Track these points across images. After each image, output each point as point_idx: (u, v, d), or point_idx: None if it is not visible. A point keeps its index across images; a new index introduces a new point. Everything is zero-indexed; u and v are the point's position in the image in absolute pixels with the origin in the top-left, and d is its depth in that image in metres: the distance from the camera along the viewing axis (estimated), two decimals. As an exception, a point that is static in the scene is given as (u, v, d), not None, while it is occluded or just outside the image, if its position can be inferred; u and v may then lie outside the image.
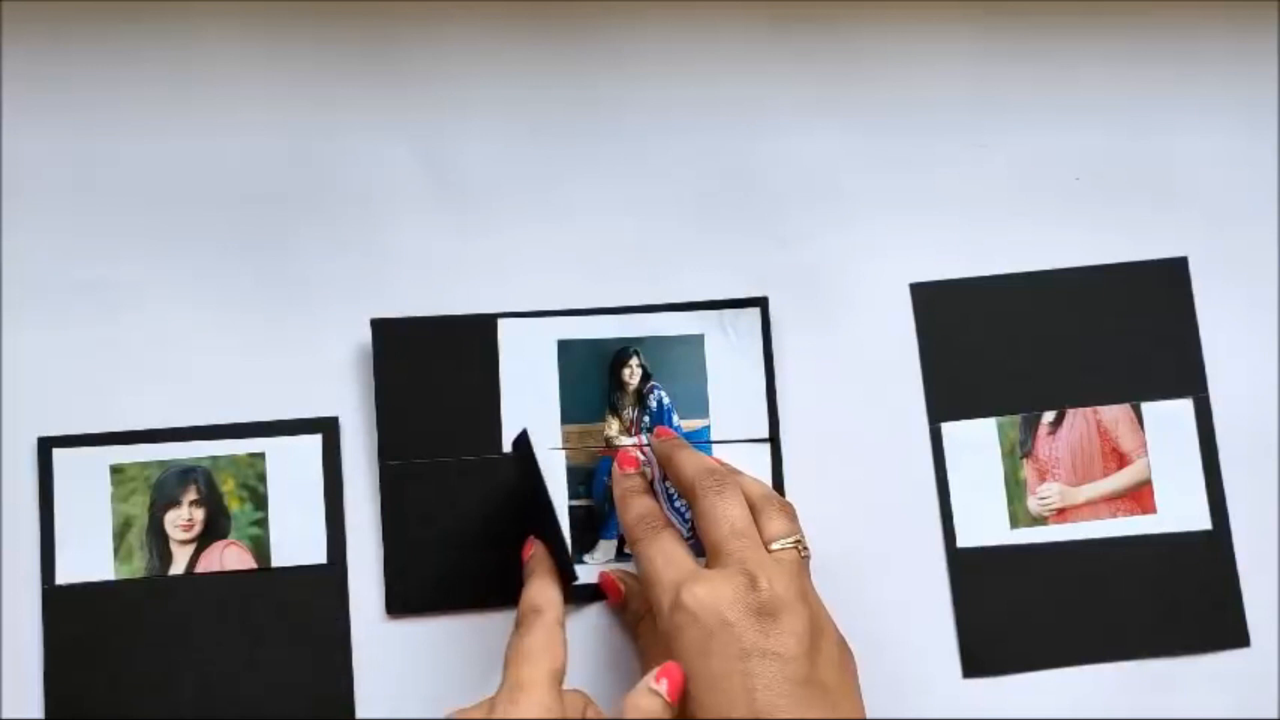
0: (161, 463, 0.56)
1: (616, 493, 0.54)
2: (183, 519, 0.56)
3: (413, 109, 0.60)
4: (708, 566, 0.49)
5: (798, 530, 0.51)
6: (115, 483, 0.56)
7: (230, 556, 0.56)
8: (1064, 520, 0.57)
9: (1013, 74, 0.61)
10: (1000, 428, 0.58)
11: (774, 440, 0.57)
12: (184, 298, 0.58)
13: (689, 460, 0.53)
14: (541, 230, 0.59)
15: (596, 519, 0.56)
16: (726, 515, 0.50)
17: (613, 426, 0.57)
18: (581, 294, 0.58)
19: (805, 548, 0.50)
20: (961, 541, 0.57)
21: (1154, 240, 0.60)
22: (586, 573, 0.55)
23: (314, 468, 0.56)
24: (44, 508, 0.55)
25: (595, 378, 0.57)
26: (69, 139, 0.59)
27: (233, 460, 0.56)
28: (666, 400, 0.57)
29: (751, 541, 0.49)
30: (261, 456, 0.56)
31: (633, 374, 0.57)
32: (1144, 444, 0.58)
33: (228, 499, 0.56)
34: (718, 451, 0.57)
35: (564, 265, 0.59)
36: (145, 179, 0.59)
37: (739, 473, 0.54)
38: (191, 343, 0.58)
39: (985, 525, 0.57)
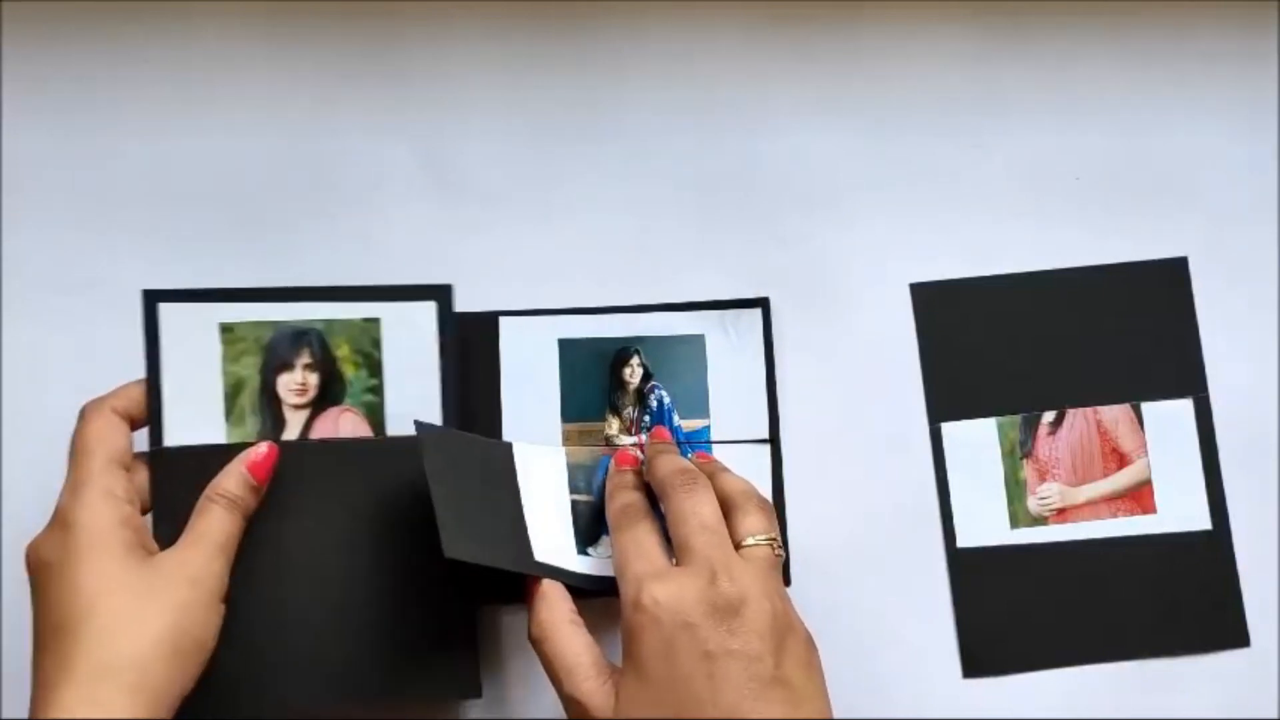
0: (273, 323, 0.54)
1: (608, 487, 0.54)
2: (296, 383, 0.54)
3: (413, 109, 0.60)
4: (677, 565, 0.49)
5: (773, 529, 0.50)
6: (225, 342, 0.54)
7: (346, 423, 0.54)
8: (1064, 520, 0.57)
9: (1013, 74, 0.61)
10: (1000, 428, 0.58)
11: (774, 440, 0.57)
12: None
13: (664, 461, 0.53)
14: (541, 230, 0.59)
15: (598, 514, 0.56)
16: (695, 512, 0.49)
17: (613, 425, 0.57)
18: (581, 294, 0.58)
19: (780, 547, 0.50)
20: (961, 541, 0.57)
21: (1154, 240, 0.60)
22: (588, 566, 0.55)
23: (429, 335, 0.55)
24: (150, 365, 0.53)
25: (596, 377, 0.57)
26: (69, 139, 0.59)
27: (347, 325, 0.54)
28: (667, 400, 0.57)
29: (718, 538, 0.48)
30: (376, 322, 0.55)
31: (633, 373, 0.57)
32: (1144, 444, 0.58)
33: (343, 364, 0.54)
34: (718, 451, 0.57)
35: (564, 265, 0.59)
36: (145, 179, 0.59)
37: (725, 470, 0.54)
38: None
39: (985, 525, 0.57)
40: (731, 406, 0.57)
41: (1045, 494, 0.58)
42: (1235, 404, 0.58)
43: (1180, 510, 0.58)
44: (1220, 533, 0.57)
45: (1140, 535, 0.57)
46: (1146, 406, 0.58)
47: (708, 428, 0.57)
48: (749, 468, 0.56)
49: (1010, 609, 0.57)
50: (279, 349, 0.54)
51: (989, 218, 0.60)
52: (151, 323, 0.53)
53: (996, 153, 0.60)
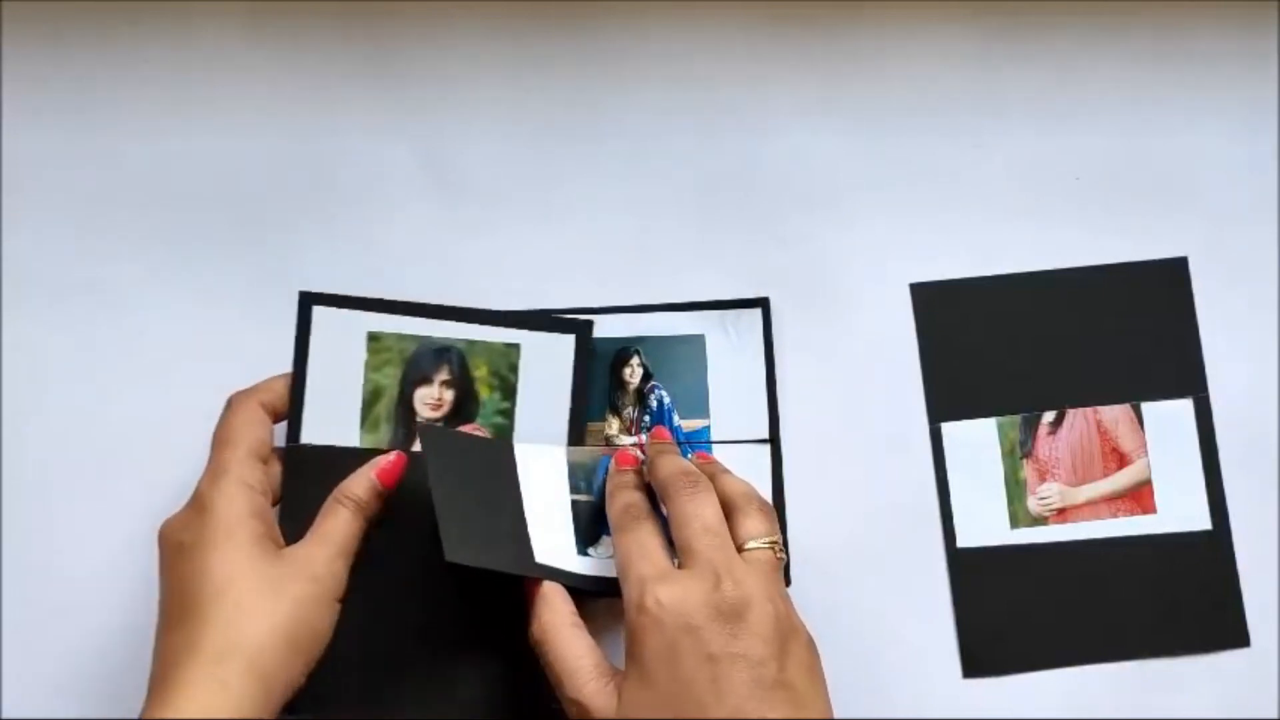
0: (417, 337, 0.56)
1: (608, 487, 0.54)
2: (432, 397, 0.56)
3: (413, 109, 0.60)
4: (680, 567, 0.49)
5: (775, 532, 0.50)
6: (371, 350, 0.55)
7: None
8: (1064, 520, 0.58)
9: (1013, 74, 0.61)
10: (1000, 428, 0.58)
11: (774, 440, 0.57)
12: (183, 298, 0.58)
13: (666, 462, 0.53)
14: (541, 230, 0.59)
15: (598, 514, 0.56)
16: (698, 515, 0.49)
17: (613, 425, 0.57)
18: (582, 294, 0.58)
19: (781, 550, 0.50)
20: (961, 541, 0.57)
21: (1154, 240, 0.60)
22: (588, 566, 0.55)
23: (565, 367, 0.56)
24: (298, 364, 0.55)
25: (596, 377, 0.57)
26: (69, 139, 0.59)
27: (488, 347, 0.56)
28: (667, 400, 0.57)
29: (720, 541, 0.49)
30: (516, 347, 0.56)
31: (633, 373, 0.57)
32: (1144, 444, 0.58)
33: (479, 384, 0.56)
34: (718, 451, 0.57)
35: (564, 265, 0.59)
36: (145, 179, 0.59)
37: (726, 472, 0.54)
38: (191, 343, 0.58)
39: (985, 525, 0.57)
40: (731, 406, 0.57)
41: (1045, 494, 0.58)
42: (1235, 404, 0.58)
43: (1180, 510, 0.58)
44: (1220, 533, 0.57)
45: (1140, 535, 0.57)
46: (1146, 406, 0.58)
47: (708, 428, 0.57)
48: (749, 468, 0.56)
49: (1010, 609, 0.57)
50: (421, 363, 0.56)
51: (989, 218, 0.60)
52: (304, 323, 0.55)
53: (996, 153, 0.60)
